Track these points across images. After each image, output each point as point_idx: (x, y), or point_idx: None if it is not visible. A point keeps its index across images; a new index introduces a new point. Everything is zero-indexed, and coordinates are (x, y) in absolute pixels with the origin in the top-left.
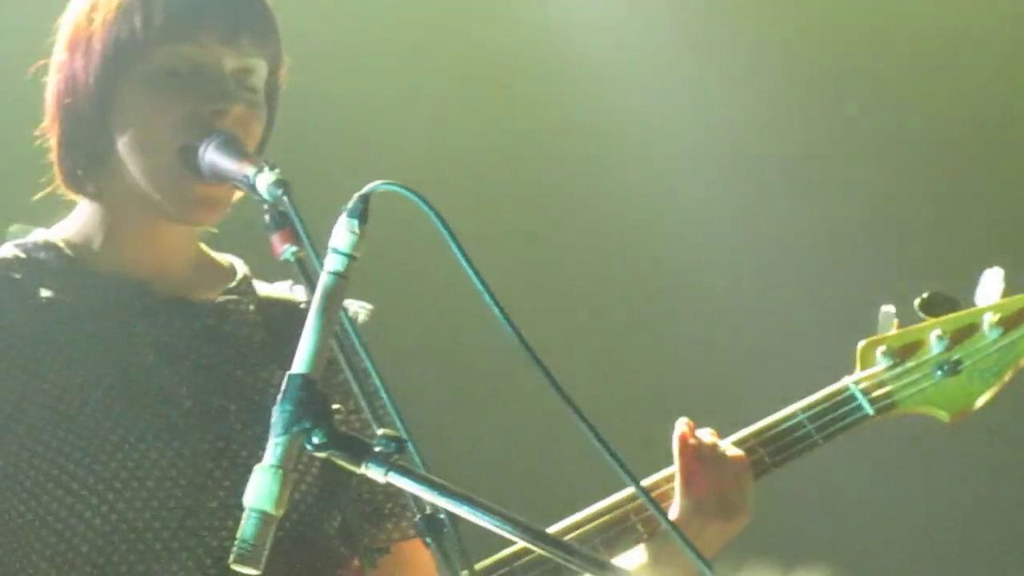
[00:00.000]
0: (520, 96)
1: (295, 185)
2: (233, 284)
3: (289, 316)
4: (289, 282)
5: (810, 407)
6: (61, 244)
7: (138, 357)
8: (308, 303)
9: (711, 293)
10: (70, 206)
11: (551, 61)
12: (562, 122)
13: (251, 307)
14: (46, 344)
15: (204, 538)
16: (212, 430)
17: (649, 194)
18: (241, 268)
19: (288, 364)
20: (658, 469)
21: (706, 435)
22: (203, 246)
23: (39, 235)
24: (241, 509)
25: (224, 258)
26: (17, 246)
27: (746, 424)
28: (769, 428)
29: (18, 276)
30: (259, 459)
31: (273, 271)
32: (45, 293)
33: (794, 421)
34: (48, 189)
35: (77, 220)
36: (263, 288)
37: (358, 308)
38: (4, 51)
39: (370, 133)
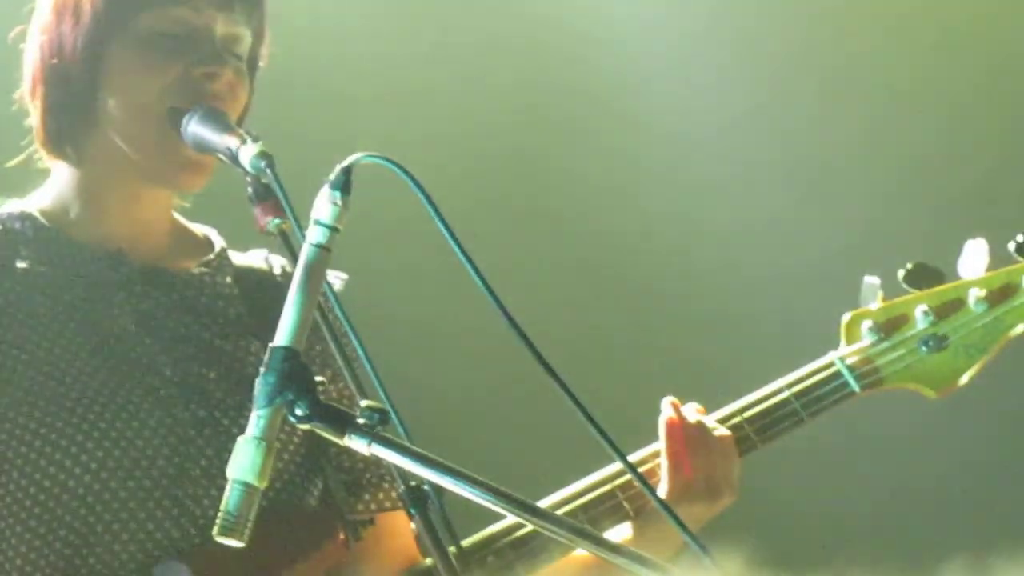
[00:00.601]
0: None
1: (279, 158)
2: (211, 256)
3: (266, 287)
4: (264, 251)
5: (796, 383)
6: (36, 214)
7: (117, 326)
8: (289, 274)
9: (695, 266)
10: (40, 176)
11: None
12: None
13: (228, 279)
14: (24, 314)
15: (187, 506)
16: (194, 398)
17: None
18: (218, 240)
19: (266, 335)
20: (646, 444)
21: (692, 412)
22: (178, 217)
23: (13, 205)
24: (224, 477)
25: (199, 229)
26: None
27: (732, 398)
28: (755, 404)
29: None
30: (241, 428)
31: (246, 241)
32: (21, 264)
33: (780, 397)
34: (22, 156)
35: (53, 188)
36: (239, 259)
37: (333, 278)
38: None
39: (365, 117)
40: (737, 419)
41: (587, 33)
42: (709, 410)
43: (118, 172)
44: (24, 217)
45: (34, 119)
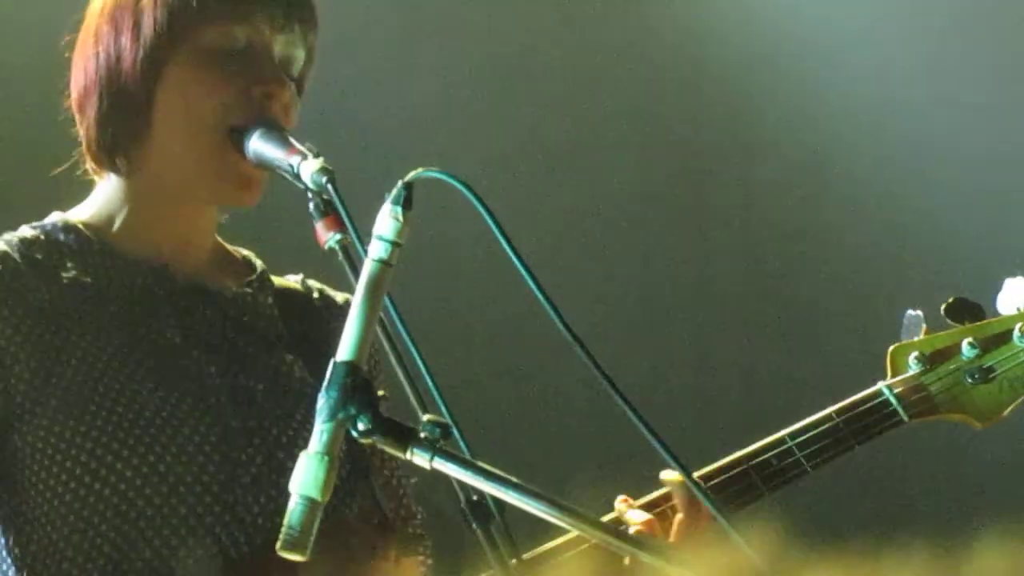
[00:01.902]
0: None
1: (340, 173)
2: (253, 277)
3: (304, 310)
4: (300, 276)
5: (845, 410)
6: (81, 225)
7: (163, 338)
8: (327, 298)
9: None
10: (80, 187)
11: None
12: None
13: (269, 299)
14: (72, 323)
15: (238, 513)
16: (242, 409)
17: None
18: (258, 262)
19: (305, 355)
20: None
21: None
22: (219, 239)
23: (56, 216)
24: (273, 486)
25: (239, 251)
26: (35, 227)
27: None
28: (804, 430)
29: (40, 256)
30: (289, 438)
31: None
32: (67, 275)
33: (830, 424)
34: (66, 165)
35: (96, 201)
36: (277, 281)
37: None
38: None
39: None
40: (788, 443)
41: None
42: (754, 440)
43: (168, 186)
44: (69, 229)
45: (84, 129)
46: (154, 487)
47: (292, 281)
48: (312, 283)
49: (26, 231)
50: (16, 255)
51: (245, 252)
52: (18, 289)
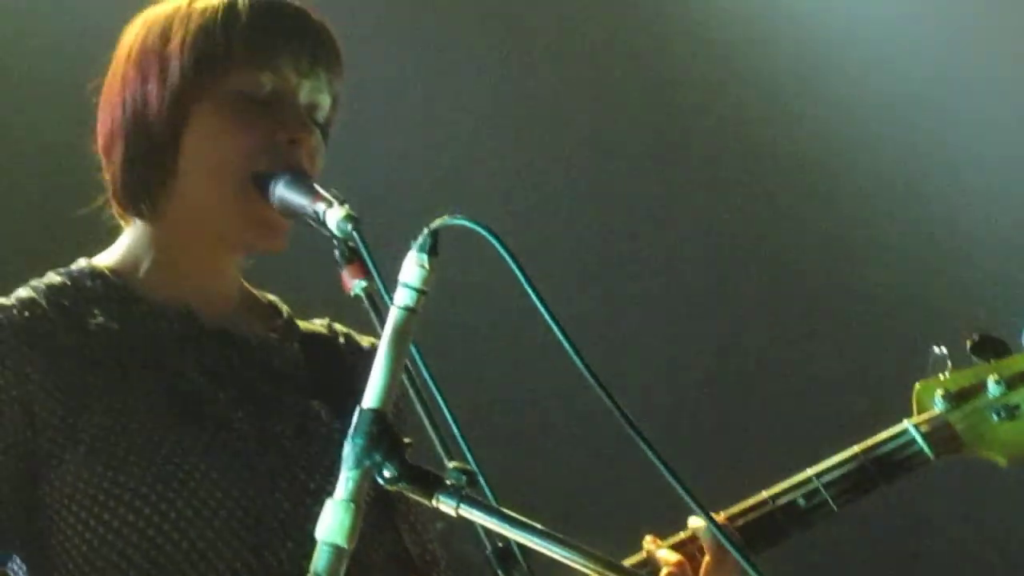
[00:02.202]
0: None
1: (365, 220)
2: (279, 322)
3: (330, 354)
4: (326, 320)
5: (870, 449)
6: (107, 272)
7: (190, 383)
8: (353, 343)
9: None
10: (88, 236)
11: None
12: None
13: (295, 344)
14: (98, 369)
15: (265, 557)
16: (269, 452)
17: None
18: (284, 308)
19: (331, 399)
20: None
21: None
22: (245, 284)
23: (83, 263)
24: (300, 529)
25: (265, 296)
26: (62, 274)
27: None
28: (831, 470)
29: (66, 303)
30: (316, 481)
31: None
32: (93, 321)
33: (856, 463)
34: (91, 206)
35: (122, 247)
36: (304, 326)
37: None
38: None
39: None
40: (814, 483)
41: None
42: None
43: (194, 231)
44: (95, 275)
45: (110, 174)
46: (182, 532)
47: (318, 325)
48: (338, 327)
49: (53, 277)
50: (43, 301)
51: (271, 297)
52: (45, 335)
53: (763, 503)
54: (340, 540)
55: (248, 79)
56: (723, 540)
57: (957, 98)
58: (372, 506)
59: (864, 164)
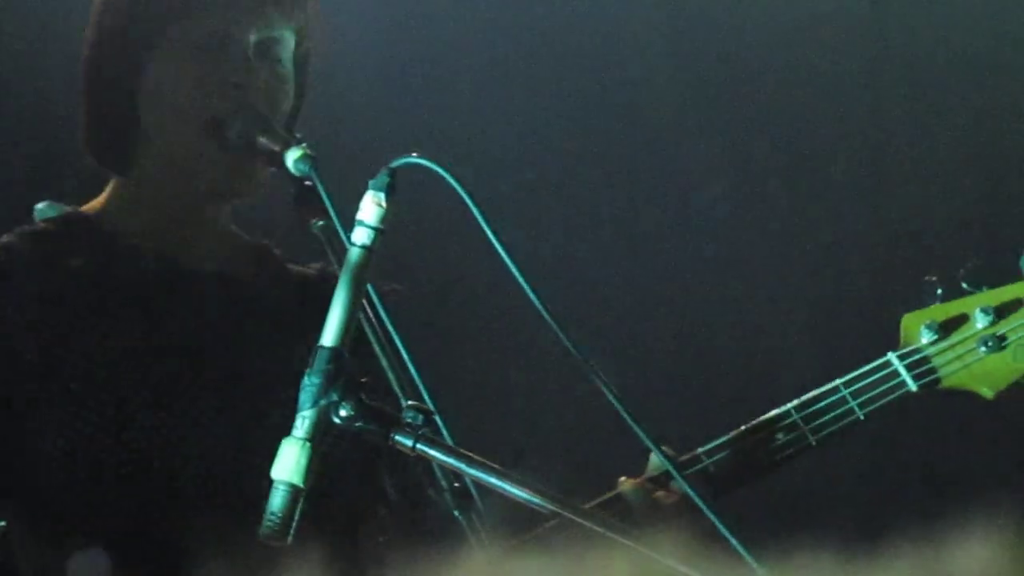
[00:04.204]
0: None
1: (327, 160)
2: (269, 266)
3: (323, 298)
4: (321, 264)
5: (852, 381)
6: (92, 218)
7: (174, 323)
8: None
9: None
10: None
11: None
12: None
13: (286, 287)
14: (77, 311)
15: (250, 496)
16: (254, 393)
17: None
18: (275, 252)
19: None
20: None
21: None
22: (235, 228)
23: (70, 209)
24: None
25: (256, 241)
26: (47, 221)
27: (784, 400)
28: (810, 403)
29: (48, 248)
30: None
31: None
32: (74, 262)
33: (836, 396)
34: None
35: (108, 195)
36: (296, 270)
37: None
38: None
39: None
40: (793, 417)
41: None
42: (763, 412)
43: (168, 182)
44: (79, 220)
45: (81, 130)
46: (161, 472)
47: (312, 269)
48: (333, 271)
49: (39, 224)
50: (25, 246)
51: (263, 242)
52: (22, 279)
53: (739, 438)
54: (295, 479)
55: (192, 27)
56: (685, 486)
57: None
58: (356, 447)
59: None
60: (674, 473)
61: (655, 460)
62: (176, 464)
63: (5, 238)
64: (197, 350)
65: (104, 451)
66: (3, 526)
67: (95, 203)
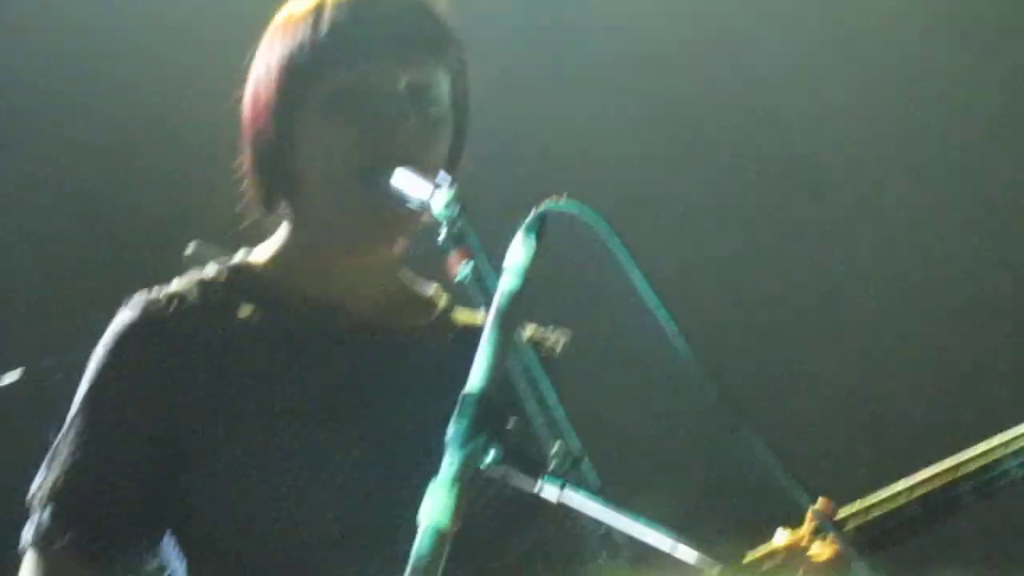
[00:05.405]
0: None
1: (478, 203)
2: (434, 316)
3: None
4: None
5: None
6: (258, 267)
7: (336, 377)
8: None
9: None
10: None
11: None
12: None
13: (449, 337)
14: (244, 362)
15: (398, 545)
16: (414, 449)
17: None
18: (443, 298)
19: None
20: None
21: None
22: (406, 274)
23: (238, 257)
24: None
25: (427, 287)
26: (215, 267)
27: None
28: (969, 463)
29: (216, 296)
30: None
31: None
32: (242, 314)
33: (997, 456)
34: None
35: (274, 243)
36: (464, 316)
37: (557, 335)
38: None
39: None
40: (952, 475)
41: None
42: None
43: (327, 231)
44: (247, 269)
45: (246, 180)
46: (320, 519)
47: (480, 316)
48: None
49: (210, 271)
50: (192, 294)
51: (433, 287)
52: (190, 329)
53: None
54: (442, 522)
55: (340, 77)
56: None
57: None
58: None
59: None
60: (832, 531)
61: (810, 515)
62: (338, 506)
63: (175, 286)
64: (360, 402)
65: (258, 497)
66: None
67: (262, 251)
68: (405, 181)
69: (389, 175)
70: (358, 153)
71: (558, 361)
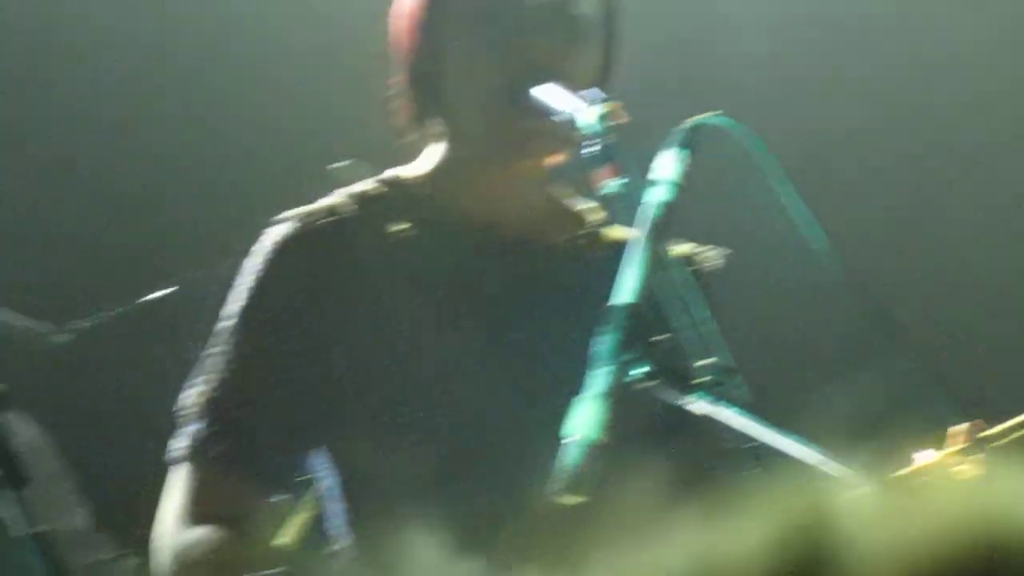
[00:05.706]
0: None
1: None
2: (585, 230)
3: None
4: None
5: None
6: (411, 181)
7: (488, 291)
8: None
9: None
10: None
11: None
12: None
13: (600, 252)
14: (397, 276)
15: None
16: (564, 361)
17: None
18: (596, 213)
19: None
20: None
21: None
22: (559, 188)
23: (390, 173)
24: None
25: (580, 203)
26: (376, 181)
27: None
28: None
29: (374, 210)
30: None
31: None
32: (393, 227)
33: None
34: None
35: (426, 160)
36: (616, 231)
37: (716, 255)
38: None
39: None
40: None
41: None
42: None
43: (476, 150)
44: (398, 183)
45: (401, 99)
46: (466, 435)
47: (631, 233)
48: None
49: (363, 185)
50: (347, 208)
51: (588, 204)
52: (345, 242)
53: None
54: (591, 434)
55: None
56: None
57: None
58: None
59: None
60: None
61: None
62: (480, 424)
63: (332, 197)
64: (512, 317)
65: (410, 407)
66: None
67: (413, 167)
68: (551, 95)
69: (534, 89)
70: (500, 67)
71: (711, 277)
